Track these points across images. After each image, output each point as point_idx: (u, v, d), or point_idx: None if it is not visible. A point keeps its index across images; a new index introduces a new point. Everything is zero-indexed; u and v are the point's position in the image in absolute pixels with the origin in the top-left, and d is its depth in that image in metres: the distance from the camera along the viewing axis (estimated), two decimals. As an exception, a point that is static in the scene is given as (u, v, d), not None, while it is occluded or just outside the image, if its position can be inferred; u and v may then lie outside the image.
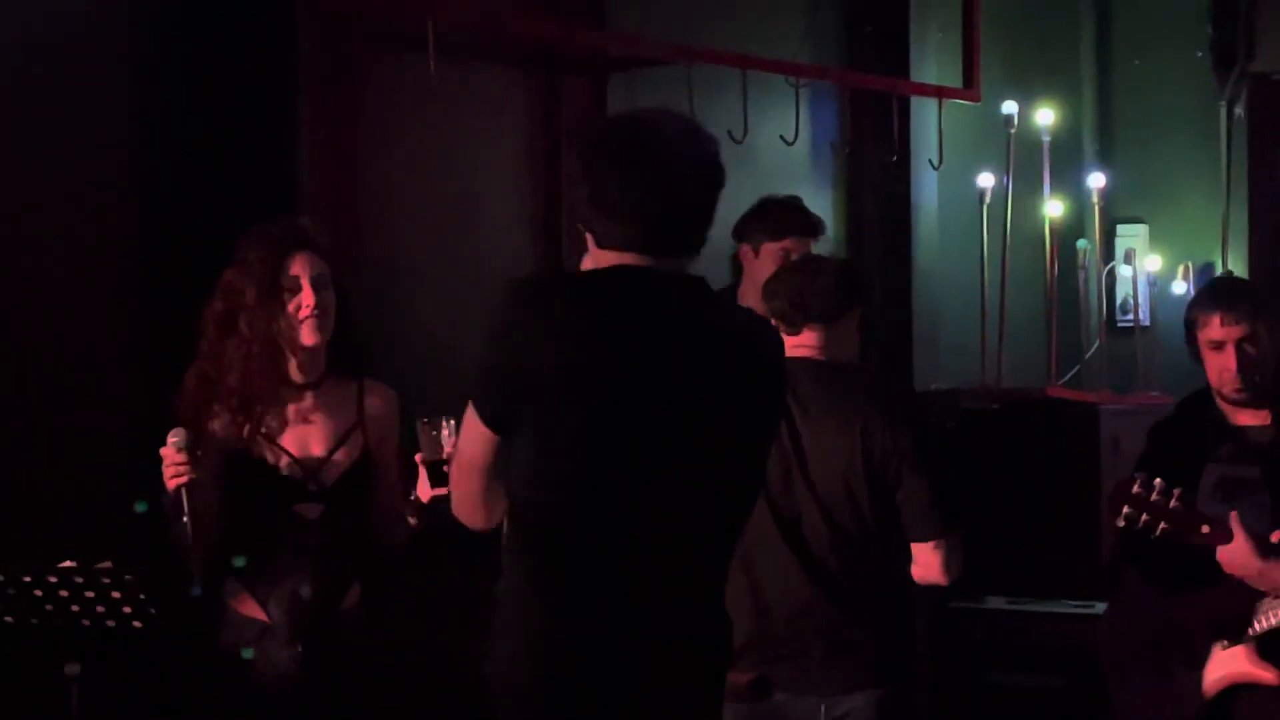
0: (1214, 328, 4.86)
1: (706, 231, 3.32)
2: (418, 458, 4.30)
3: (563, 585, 3.22)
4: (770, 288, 4.59)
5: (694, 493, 3.26)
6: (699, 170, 3.29)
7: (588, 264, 3.38)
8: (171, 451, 4.16)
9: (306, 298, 4.35)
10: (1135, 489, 4.64)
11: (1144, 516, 4.65)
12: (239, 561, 4.33)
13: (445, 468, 4.20)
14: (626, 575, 3.23)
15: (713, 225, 3.32)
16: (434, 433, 4.27)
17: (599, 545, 3.23)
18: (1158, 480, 4.64)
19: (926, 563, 4.45)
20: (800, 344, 4.48)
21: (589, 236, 3.32)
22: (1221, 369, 4.86)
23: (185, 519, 4.12)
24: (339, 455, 4.42)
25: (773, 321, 4.54)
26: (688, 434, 3.24)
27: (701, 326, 3.28)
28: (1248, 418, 4.93)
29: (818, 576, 4.39)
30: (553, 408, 3.17)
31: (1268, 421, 4.91)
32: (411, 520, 4.42)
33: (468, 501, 3.34)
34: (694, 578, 3.32)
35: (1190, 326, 4.96)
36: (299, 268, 4.37)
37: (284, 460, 4.35)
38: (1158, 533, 4.66)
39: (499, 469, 3.26)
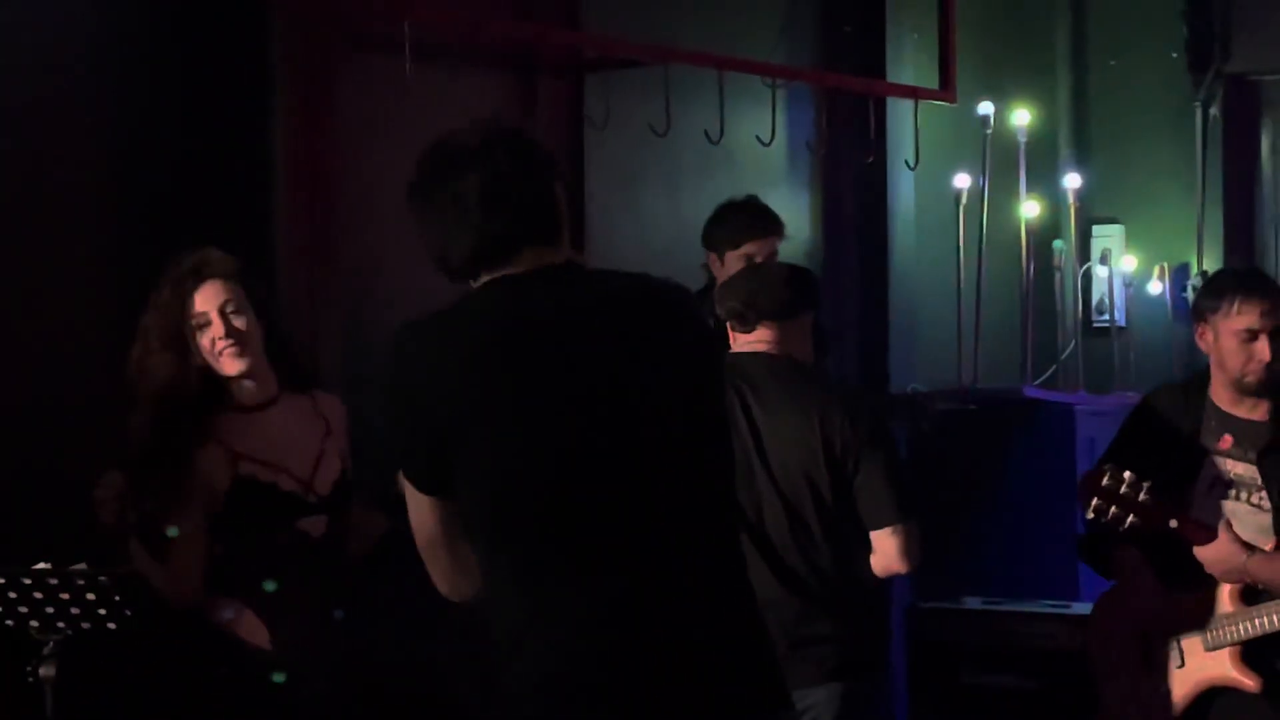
0: (1252, 316, 4.82)
1: (556, 216, 3.18)
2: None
3: (562, 614, 3.03)
4: (722, 292, 4.65)
5: (654, 468, 3.07)
6: (509, 157, 3.18)
7: None
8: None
9: (216, 330, 4.30)
10: (1104, 481, 4.65)
11: (1113, 509, 4.67)
12: (270, 586, 4.31)
13: None
14: (629, 582, 3.04)
15: (564, 209, 3.19)
16: None
17: (586, 561, 3.04)
18: (1127, 473, 4.65)
19: (885, 550, 4.47)
20: (755, 340, 4.50)
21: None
22: (1251, 358, 4.82)
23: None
24: (325, 465, 4.42)
25: (728, 325, 4.57)
26: (616, 410, 3.06)
27: (582, 304, 3.12)
28: (1245, 411, 4.92)
29: (779, 570, 4.41)
30: (479, 444, 3.02)
31: (1265, 417, 4.90)
32: (382, 522, 4.43)
33: (446, 579, 3.17)
34: (690, 560, 3.09)
35: (1209, 314, 4.92)
36: (204, 301, 4.31)
37: (282, 477, 4.35)
38: (1126, 525, 4.68)
39: (459, 534, 3.10)
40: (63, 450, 4.88)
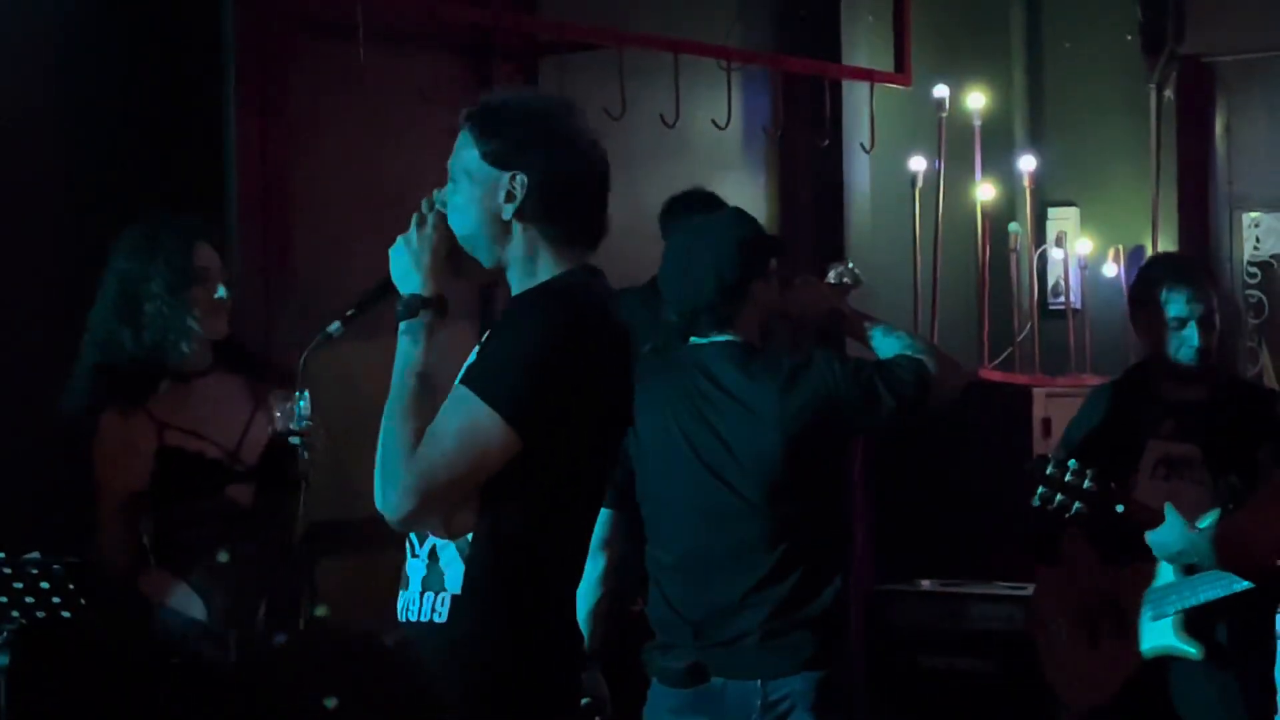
0: (1179, 304, 4.90)
1: None
2: (272, 428, 4.31)
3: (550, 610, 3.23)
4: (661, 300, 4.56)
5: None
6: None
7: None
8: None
9: (215, 288, 4.42)
10: (1049, 470, 4.71)
11: (1058, 496, 4.71)
12: (223, 557, 4.32)
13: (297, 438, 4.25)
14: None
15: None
16: (287, 404, 4.26)
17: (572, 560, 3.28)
18: (1071, 461, 4.70)
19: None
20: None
21: (519, 229, 3.30)
22: (1181, 344, 4.90)
23: None
24: (253, 433, 4.41)
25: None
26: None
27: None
28: (1183, 394, 4.97)
29: (753, 560, 4.40)
30: (584, 414, 3.20)
31: (1204, 397, 4.95)
32: None
33: (443, 506, 3.21)
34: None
35: (1141, 303, 4.98)
36: (205, 258, 4.43)
37: (207, 446, 4.34)
38: (1072, 512, 4.72)
39: (490, 474, 3.19)
40: (12, 439, 4.86)
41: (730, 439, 4.37)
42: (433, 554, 3.31)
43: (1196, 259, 6.05)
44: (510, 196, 3.27)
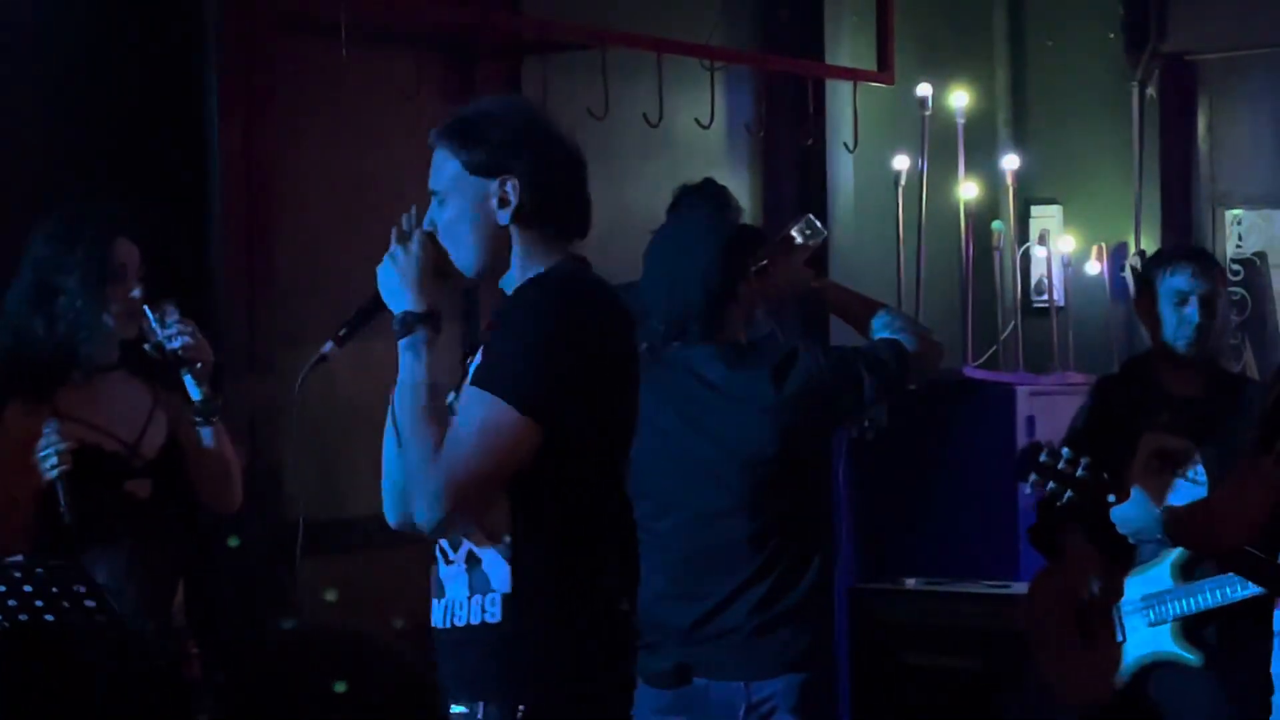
0: (1182, 277, 4.91)
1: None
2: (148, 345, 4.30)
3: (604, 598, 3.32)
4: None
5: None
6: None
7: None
8: (55, 440, 4.14)
9: (132, 285, 4.35)
10: (1041, 457, 4.70)
11: (1050, 484, 4.71)
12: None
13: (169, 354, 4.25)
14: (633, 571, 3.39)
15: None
16: (158, 314, 4.27)
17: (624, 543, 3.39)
18: (1064, 449, 4.70)
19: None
20: None
21: (515, 232, 3.32)
22: (1181, 321, 4.91)
23: (63, 510, 4.12)
24: (153, 429, 4.38)
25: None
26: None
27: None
28: (1182, 388, 4.96)
29: (739, 561, 4.40)
30: (597, 399, 3.26)
31: (1201, 393, 4.95)
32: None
33: (480, 502, 3.25)
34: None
35: (1146, 282, 4.99)
36: (125, 254, 4.37)
37: (106, 439, 4.31)
38: (1064, 500, 4.72)
39: (518, 468, 3.25)
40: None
41: (722, 435, 4.38)
42: (470, 558, 3.30)
43: (1204, 249, 6.05)
44: (504, 201, 3.28)
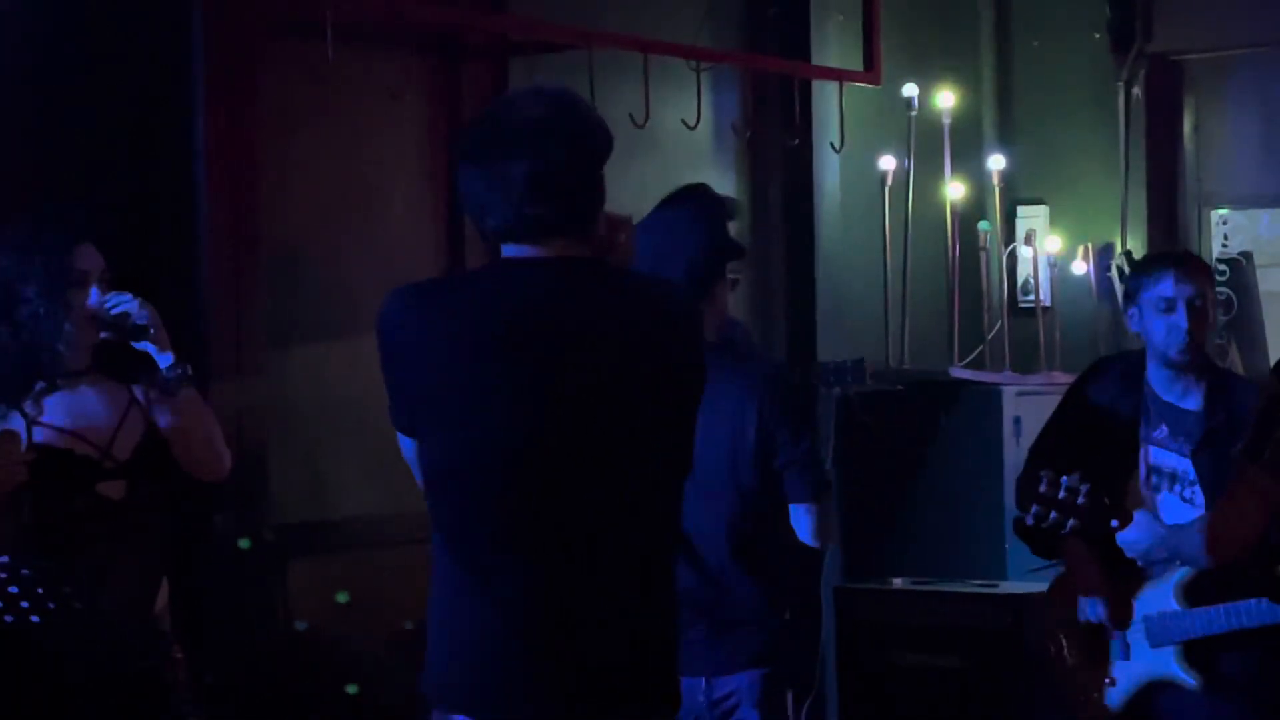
0: (1167, 282, 4.84)
1: (593, 209, 3.26)
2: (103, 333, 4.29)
3: (485, 588, 3.18)
4: None
5: (613, 478, 3.21)
6: (563, 146, 3.21)
7: None
8: (15, 449, 4.13)
9: (96, 293, 4.32)
10: (1043, 488, 4.61)
11: (1053, 514, 4.63)
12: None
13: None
14: (552, 571, 3.18)
15: (604, 201, 3.28)
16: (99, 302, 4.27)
17: (517, 546, 3.18)
18: (1064, 477, 4.60)
19: (797, 526, 4.47)
20: None
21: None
22: (1171, 328, 4.82)
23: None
24: (126, 430, 4.35)
25: None
26: (593, 418, 3.18)
27: (589, 306, 3.22)
28: (1179, 400, 4.89)
29: (699, 556, 4.40)
30: (446, 412, 3.17)
31: (1199, 407, 4.89)
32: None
33: None
34: (626, 566, 3.25)
35: (1134, 290, 4.93)
36: (85, 260, 4.33)
37: (78, 443, 4.28)
38: (1067, 529, 4.65)
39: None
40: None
41: (701, 425, 4.39)
42: None
43: (1192, 253, 6.00)
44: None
